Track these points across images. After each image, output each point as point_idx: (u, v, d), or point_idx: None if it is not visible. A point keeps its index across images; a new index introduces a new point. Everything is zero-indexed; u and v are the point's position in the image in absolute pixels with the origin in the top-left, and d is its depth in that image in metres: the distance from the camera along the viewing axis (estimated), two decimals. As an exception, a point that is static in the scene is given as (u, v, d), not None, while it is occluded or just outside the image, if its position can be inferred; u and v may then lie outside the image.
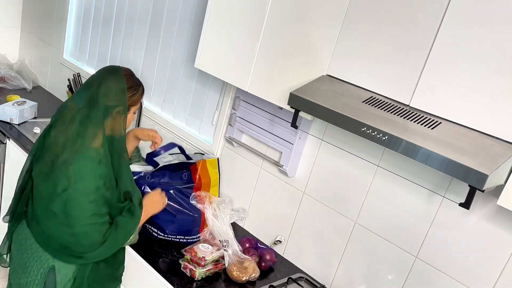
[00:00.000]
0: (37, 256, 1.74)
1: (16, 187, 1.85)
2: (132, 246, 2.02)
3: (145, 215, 1.81)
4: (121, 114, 1.68)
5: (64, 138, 1.65)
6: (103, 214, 1.66)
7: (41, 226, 1.71)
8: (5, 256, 1.92)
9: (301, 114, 1.75)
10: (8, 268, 1.93)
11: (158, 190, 1.93)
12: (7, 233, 1.90)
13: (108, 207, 1.68)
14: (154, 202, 1.89)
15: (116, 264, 1.86)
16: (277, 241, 2.22)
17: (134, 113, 1.81)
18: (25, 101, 3.10)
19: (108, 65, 1.82)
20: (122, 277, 1.95)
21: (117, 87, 1.68)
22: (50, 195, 1.65)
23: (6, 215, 1.91)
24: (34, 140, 2.59)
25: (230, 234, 2.02)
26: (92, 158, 1.62)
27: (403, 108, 1.50)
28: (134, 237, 1.78)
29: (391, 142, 1.42)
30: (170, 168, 2.15)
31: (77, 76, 3.21)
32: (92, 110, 1.65)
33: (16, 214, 1.85)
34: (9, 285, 1.90)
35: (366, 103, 1.54)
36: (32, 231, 1.74)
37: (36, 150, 1.77)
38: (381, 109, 1.51)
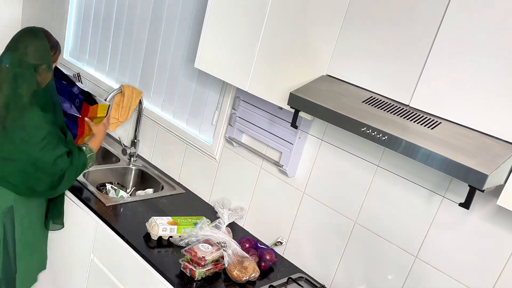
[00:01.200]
0: None
1: None
2: (131, 245, 2.02)
3: (97, 144, 2.27)
4: (47, 71, 2.00)
5: (5, 99, 1.94)
6: (61, 147, 2.01)
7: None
8: None
9: (301, 114, 1.75)
10: None
11: (104, 121, 2.34)
12: None
13: (61, 141, 2.02)
14: (102, 130, 2.31)
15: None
16: (278, 242, 2.22)
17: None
18: (25, 101, 3.09)
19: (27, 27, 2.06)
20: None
21: (42, 48, 1.97)
22: (7, 147, 1.96)
23: None
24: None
25: (227, 238, 2.03)
26: (37, 109, 1.93)
27: (403, 108, 1.50)
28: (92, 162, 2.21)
29: (391, 142, 1.42)
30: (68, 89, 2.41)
31: (77, 76, 3.20)
32: (23, 69, 1.93)
33: None
34: None
35: (366, 103, 1.54)
36: None
37: None
38: (381, 109, 1.51)
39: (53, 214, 2.29)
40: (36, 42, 1.96)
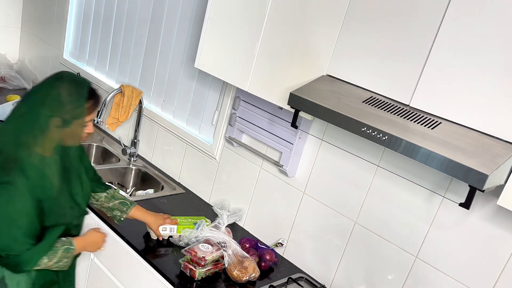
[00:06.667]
0: None
1: None
2: (131, 245, 2.02)
3: (79, 250, 1.76)
4: (60, 126, 1.56)
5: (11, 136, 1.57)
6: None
7: None
8: None
9: (301, 114, 1.75)
10: None
11: (98, 230, 1.86)
12: None
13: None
14: (92, 242, 1.84)
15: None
16: (278, 243, 2.22)
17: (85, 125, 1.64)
18: (25, 101, 3.09)
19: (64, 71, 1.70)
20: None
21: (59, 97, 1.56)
22: None
23: None
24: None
25: (227, 238, 2.03)
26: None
27: (403, 108, 1.50)
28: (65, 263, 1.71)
29: (391, 142, 1.42)
30: None
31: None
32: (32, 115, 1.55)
33: None
34: None
35: (366, 103, 1.54)
36: None
37: None
38: (381, 109, 1.51)
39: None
40: (54, 88, 1.58)
